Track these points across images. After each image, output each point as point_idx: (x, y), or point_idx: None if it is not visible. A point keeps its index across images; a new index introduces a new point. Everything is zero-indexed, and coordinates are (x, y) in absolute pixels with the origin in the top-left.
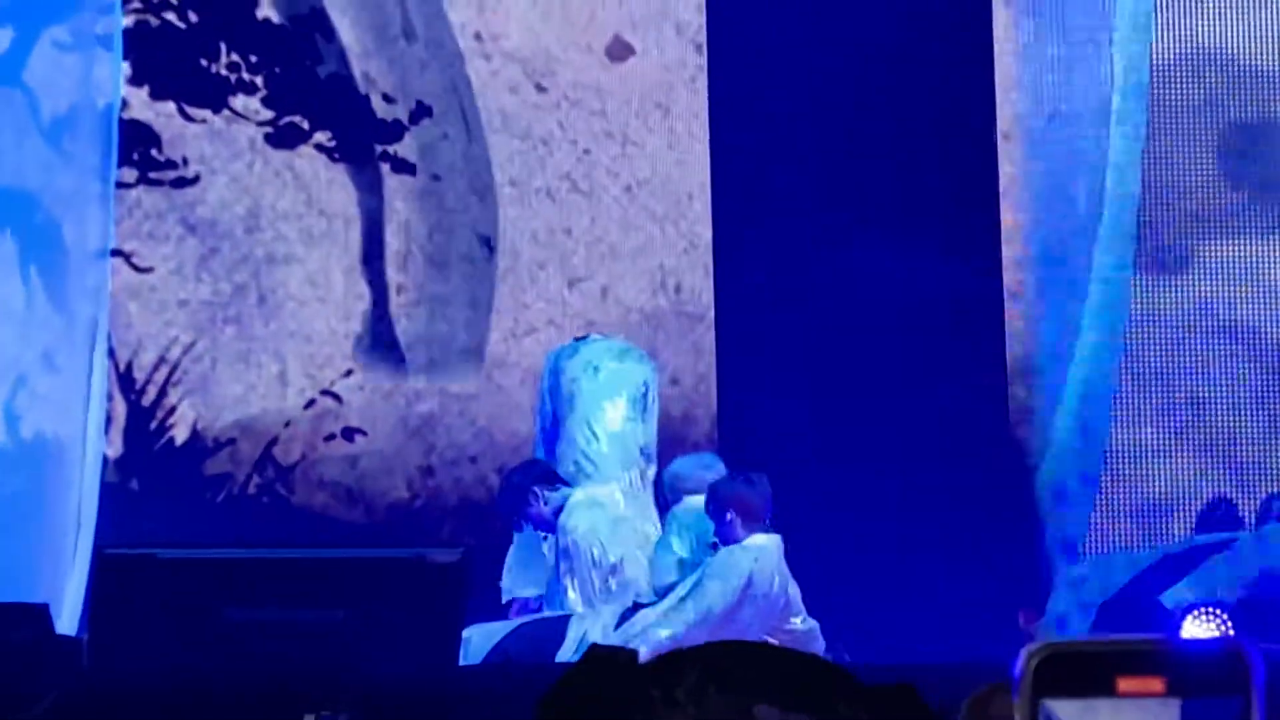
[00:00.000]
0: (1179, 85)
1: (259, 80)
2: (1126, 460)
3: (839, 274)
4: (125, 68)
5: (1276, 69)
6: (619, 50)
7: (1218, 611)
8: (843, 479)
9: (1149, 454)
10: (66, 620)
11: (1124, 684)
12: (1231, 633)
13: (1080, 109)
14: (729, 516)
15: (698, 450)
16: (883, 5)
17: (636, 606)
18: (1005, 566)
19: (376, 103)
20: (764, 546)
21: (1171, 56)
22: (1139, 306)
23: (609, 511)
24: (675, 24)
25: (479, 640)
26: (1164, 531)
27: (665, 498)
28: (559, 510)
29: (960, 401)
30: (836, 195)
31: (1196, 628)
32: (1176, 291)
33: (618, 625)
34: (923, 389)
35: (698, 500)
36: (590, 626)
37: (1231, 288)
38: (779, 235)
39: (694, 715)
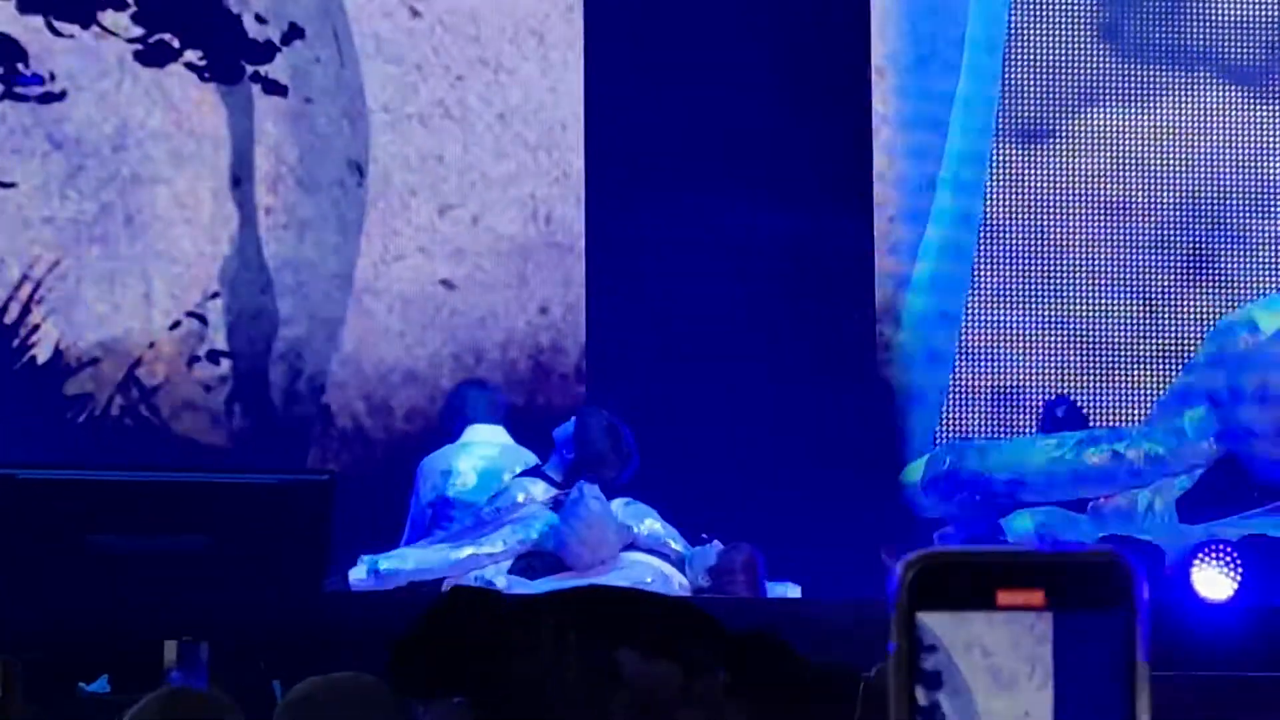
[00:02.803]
0: None
1: None
2: (980, 341)
3: (711, 208)
4: None
5: None
6: None
7: (1229, 550)
8: (708, 414)
9: (1005, 336)
10: None
11: (1004, 596)
12: (1239, 575)
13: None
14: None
15: (563, 380)
16: None
17: None
18: (873, 505)
19: (249, 23)
20: None
21: None
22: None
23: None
24: None
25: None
26: (1015, 423)
27: None
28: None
29: (829, 340)
30: (710, 128)
31: (1207, 569)
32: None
33: None
34: (791, 323)
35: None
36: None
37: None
38: (651, 167)
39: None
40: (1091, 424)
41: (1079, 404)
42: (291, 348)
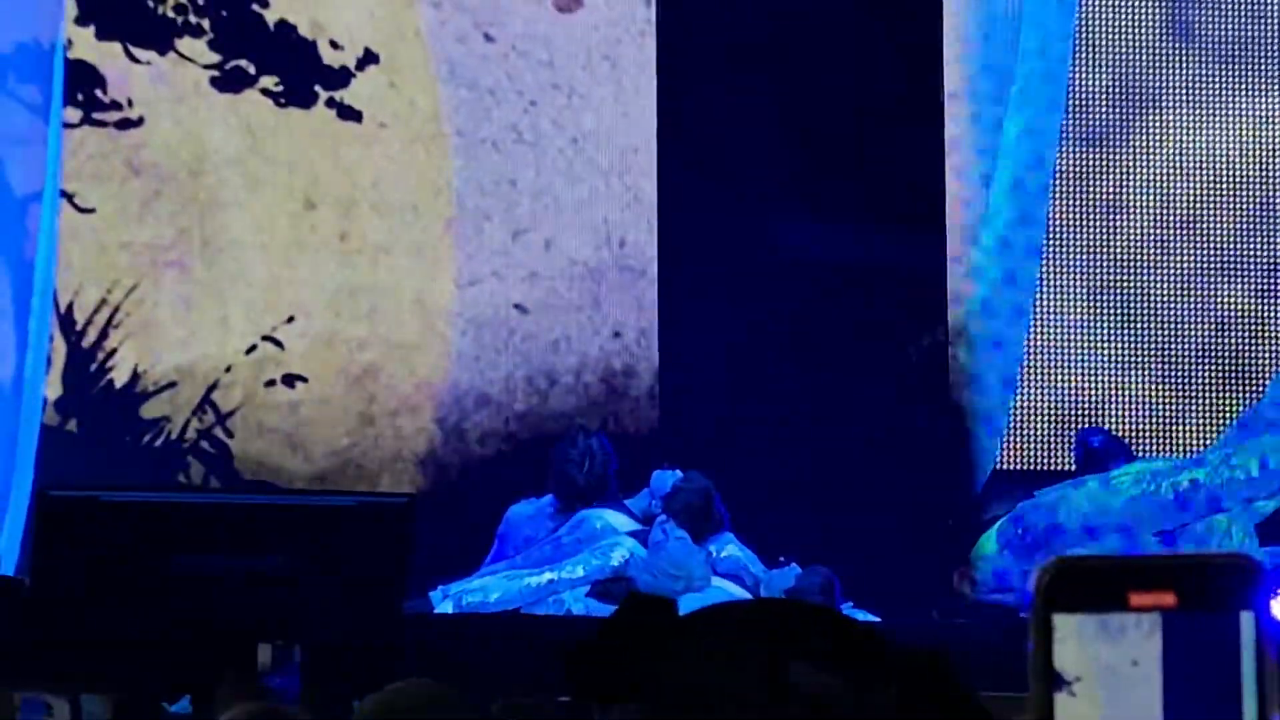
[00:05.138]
0: None
1: (205, 23)
2: (1044, 363)
3: (783, 231)
4: (71, 7)
5: None
6: (567, 2)
7: None
8: (782, 437)
9: (1069, 358)
10: (4, 561)
11: (1136, 598)
12: None
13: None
14: None
15: (636, 403)
16: None
17: None
18: (944, 527)
19: (323, 48)
20: None
21: None
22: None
23: None
24: None
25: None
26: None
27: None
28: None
29: (902, 362)
30: (782, 152)
31: None
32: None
33: None
34: (866, 347)
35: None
36: None
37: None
38: (723, 190)
39: (730, 669)
40: (1151, 450)
41: (1127, 430)
42: (366, 371)
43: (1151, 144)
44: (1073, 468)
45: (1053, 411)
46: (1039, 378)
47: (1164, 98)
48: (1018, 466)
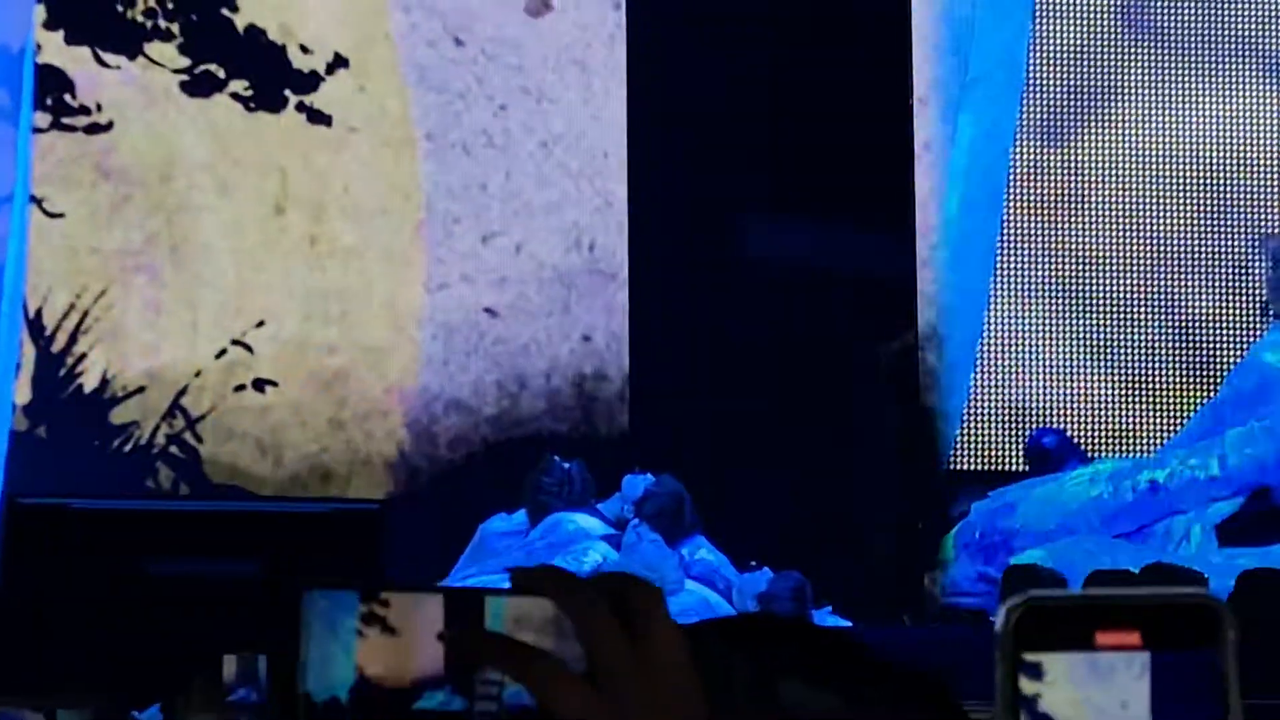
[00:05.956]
0: None
1: (174, 28)
2: (999, 361)
3: (752, 234)
4: (40, 11)
5: None
6: (537, 6)
7: None
8: (752, 441)
9: (1024, 354)
10: None
11: (1102, 638)
12: None
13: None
14: None
15: (607, 407)
16: None
17: None
18: (914, 531)
19: (293, 53)
20: None
21: None
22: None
23: None
24: None
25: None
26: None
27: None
28: None
29: (872, 365)
30: (751, 156)
31: None
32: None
33: None
34: (836, 350)
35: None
36: None
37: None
38: (693, 194)
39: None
40: (1104, 450)
41: (1084, 430)
42: (336, 376)
43: (1107, 140)
44: (1026, 468)
45: (1009, 411)
46: (994, 376)
47: (1120, 94)
48: (973, 466)
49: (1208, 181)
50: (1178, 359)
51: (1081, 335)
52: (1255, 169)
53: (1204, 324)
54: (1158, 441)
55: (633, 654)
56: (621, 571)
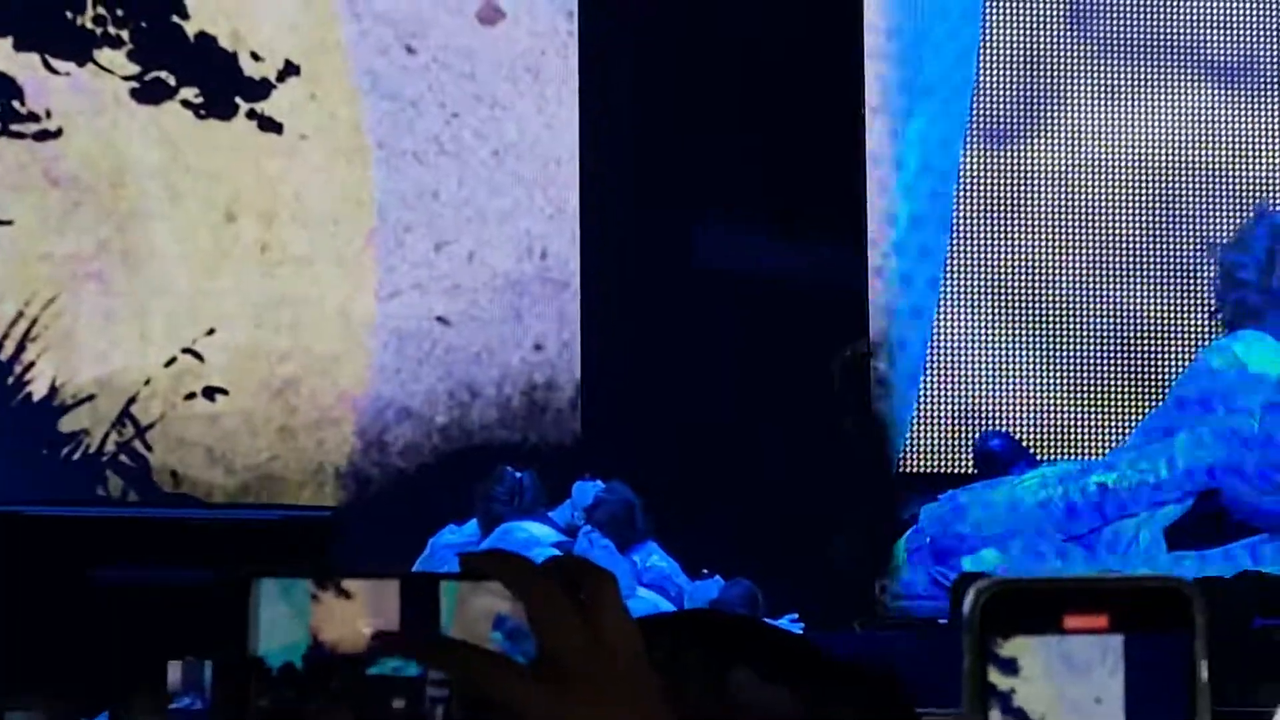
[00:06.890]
0: None
1: (125, 34)
2: (948, 366)
3: (705, 243)
4: None
5: None
6: (489, 14)
7: None
8: (705, 449)
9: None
10: None
11: (1071, 620)
12: None
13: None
14: None
15: (559, 415)
16: None
17: None
18: (866, 538)
19: (244, 60)
20: None
21: None
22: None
23: None
24: None
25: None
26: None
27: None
28: None
29: (824, 374)
30: (704, 164)
31: None
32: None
33: None
34: (787, 358)
35: None
36: None
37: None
38: (646, 203)
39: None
40: (1052, 453)
41: (1032, 433)
42: (287, 384)
43: (1055, 146)
44: (975, 471)
45: (957, 413)
46: (942, 379)
47: (1067, 100)
48: (921, 469)
49: (1155, 187)
50: (1126, 363)
51: (1030, 339)
52: (1202, 175)
53: (1152, 328)
54: (1106, 445)
55: (584, 636)
56: (573, 555)
